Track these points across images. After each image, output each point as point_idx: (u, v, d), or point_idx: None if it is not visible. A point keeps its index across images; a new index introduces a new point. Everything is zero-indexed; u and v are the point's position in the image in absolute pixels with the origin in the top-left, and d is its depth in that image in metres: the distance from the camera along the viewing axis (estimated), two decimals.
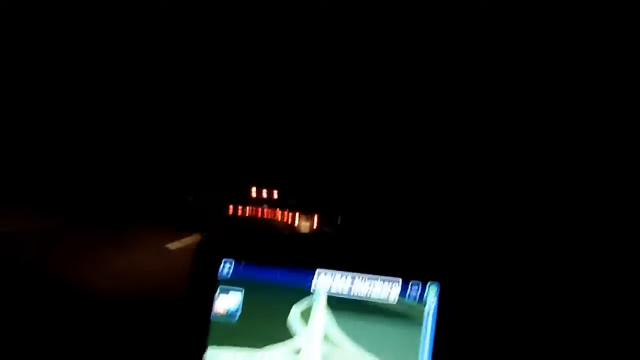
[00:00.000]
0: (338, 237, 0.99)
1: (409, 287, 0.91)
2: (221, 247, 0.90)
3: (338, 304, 0.91)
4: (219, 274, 0.89)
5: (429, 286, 0.91)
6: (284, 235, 0.85)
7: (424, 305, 0.90)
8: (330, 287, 0.91)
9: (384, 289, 0.91)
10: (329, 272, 0.91)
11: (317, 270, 0.91)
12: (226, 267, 0.90)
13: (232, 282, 0.90)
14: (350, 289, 0.91)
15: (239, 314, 0.89)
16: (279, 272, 0.90)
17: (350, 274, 0.91)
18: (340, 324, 0.90)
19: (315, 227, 23.42)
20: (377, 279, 0.91)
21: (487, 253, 1.11)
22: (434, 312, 0.90)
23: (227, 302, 0.89)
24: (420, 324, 0.90)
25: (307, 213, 24.80)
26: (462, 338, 0.89)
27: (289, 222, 30.73)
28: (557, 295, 1.05)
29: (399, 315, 0.90)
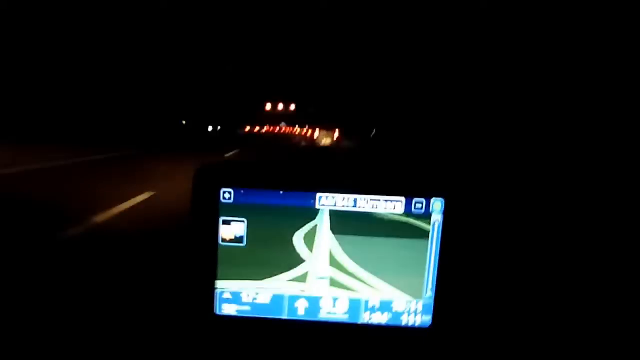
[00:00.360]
0: (340, 161, 0.97)
1: (413, 204, 0.90)
2: (219, 176, 0.89)
3: (342, 222, 0.90)
4: (219, 202, 0.89)
5: (433, 202, 0.89)
6: (284, 162, 0.81)
7: (429, 219, 0.90)
8: (336, 205, 0.90)
9: (387, 207, 0.90)
10: (331, 195, 0.90)
11: (319, 194, 0.89)
12: (226, 195, 0.89)
13: (234, 208, 0.89)
14: (354, 207, 0.90)
15: (246, 239, 0.90)
16: (280, 196, 0.89)
17: (352, 196, 0.90)
18: (344, 244, 0.91)
19: (336, 139, 22.92)
20: (379, 200, 0.90)
21: (489, 170, 1.08)
22: (439, 225, 0.90)
23: (233, 229, 0.90)
24: (427, 237, 0.90)
25: (327, 127, 24.19)
26: (467, 250, 0.90)
27: (309, 135, 32.06)
28: (554, 212, 1.04)
29: (404, 229, 0.90)
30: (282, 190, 0.89)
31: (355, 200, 0.90)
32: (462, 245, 0.89)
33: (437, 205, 0.90)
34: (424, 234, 0.90)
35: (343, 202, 0.90)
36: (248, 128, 65.89)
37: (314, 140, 27.37)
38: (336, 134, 27.53)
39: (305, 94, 62.49)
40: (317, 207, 0.90)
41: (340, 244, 0.91)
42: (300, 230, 0.90)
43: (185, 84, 43.39)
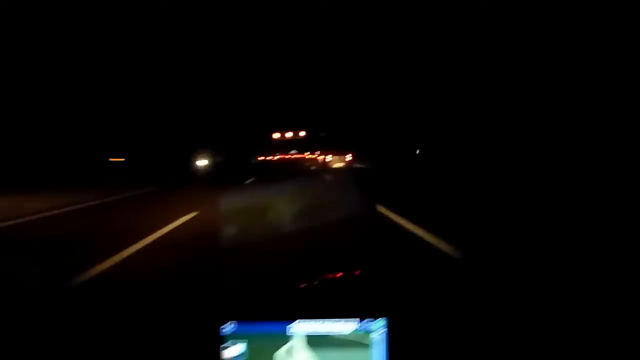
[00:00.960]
0: (312, 290, 1.36)
1: (364, 323, 1.26)
2: (221, 313, 1.25)
3: (312, 340, 1.29)
4: (222, 332, 1.27)
5: (377, 321, 1.24)
6: (270, 292, 1.37)
7: (370, 335, 1.27)
8: (306, 330, 1.29)
9: (345, 326, 1.28)
10: (305, 321, 1.28)
11: (296, 321, 1.28)
12: (229, 327, 1.25)
13: (234, 336, 1.28)
14: (320, 329, 1.29)
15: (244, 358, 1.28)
16: (266, 325, 1.27)
17: (320, 320, 1.28)
18: (314, 354, 1.29)
19: (348, 162, 22.63)
20: (340, 321, 1.28)
21: (421, 295, 1.46)
22: (381, 338, 1.27)
23: (233, 351, 1.26)
24: (370, 348, 1.27)
25: (339, 151, 23.83)
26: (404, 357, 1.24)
27: (320, 160, 29.50)
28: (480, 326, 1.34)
29: (354, 343, 1.28)
30: (267, 321, 1.28)
31: (323, 323, 1.29)
32: (400, 354, 1.24)
33: (379, 322, 1.25)
34: (367, 346, 1.28)
35: (314, 324, 1.28)
36: (262, 157, 69.51)
37: (327, 164, 27.41)
38: (348, 157, 27.64)
39: (316, 119, 62.01)
40: (294, 330, 1.29)
41: (311, 353, 1.29)
42: (282, 347, 1.27)
43: (192, 116, 44.70)
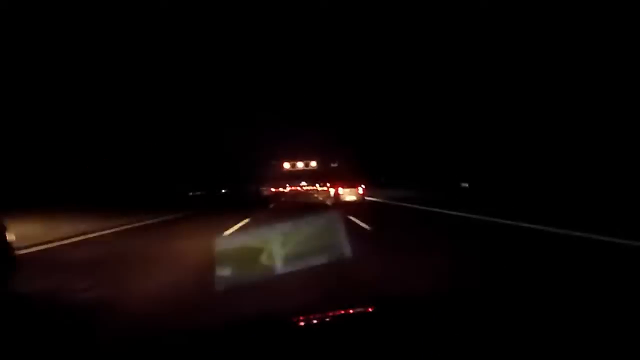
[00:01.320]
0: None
1: None
2: None
3: None
4: None
5: None
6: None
7: None
8: None
9: None
10: None
11: None
12: None
13: None
14: None
15: None
16: None
17: None
18: None
19: (361, 194, 21.47)
20: None
21: None
22: None
23: None
24: None
25: (351, 183, 22.70)
26: None
27: (332, 194, 28.25)
28: None
29: None
30: None
31: None
32: None
33: None
34: None
35: None
36: (273, 189, 73.65)
37: (339, 197, 26.03)
38: (360, 190, 26.12)
39: (326, 149, 59.57)
40: None
41: None
42: None
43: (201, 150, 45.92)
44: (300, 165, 60.13)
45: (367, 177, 34.86)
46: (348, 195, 25.40)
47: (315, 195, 46.68)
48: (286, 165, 59.96)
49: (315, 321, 1.47)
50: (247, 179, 67.96)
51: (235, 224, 12.05)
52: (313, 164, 59.30)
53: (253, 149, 63.79)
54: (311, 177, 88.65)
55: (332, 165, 57.15)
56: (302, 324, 1.45)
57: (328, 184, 54.80)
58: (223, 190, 57.17)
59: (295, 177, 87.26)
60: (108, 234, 10.61)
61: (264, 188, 70.38)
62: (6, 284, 4.09)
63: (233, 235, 9.71)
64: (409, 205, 19.55)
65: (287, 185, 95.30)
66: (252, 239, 6.13)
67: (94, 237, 9.90)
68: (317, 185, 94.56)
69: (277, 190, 75.54)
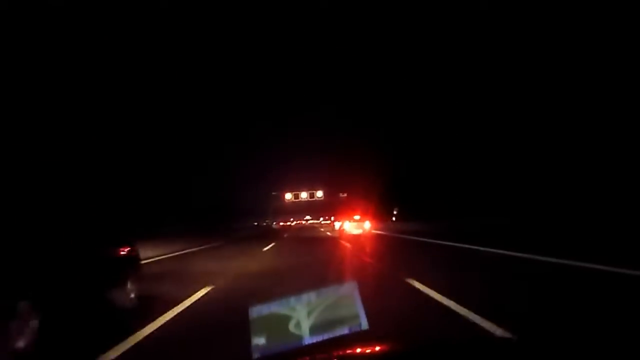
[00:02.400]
0: None
1: None
2: None
3: None
4: None
5: None
6: None
7: None
8: None
9: None
10: None
11: None
12: None
13: None
14: None
15: None
16: None
17: None
18: None
19: (368, 230, 20.14)
20: None
21: None
22: None
23: None
24: None
25: (357, 218, 21.41)
26: None
27: (337, 228, 27.19)
28: None
29: None
30: None
31: None
32: None
33: None
34: None
35: None
36: (282, 223, 76.87)
37: (343, 231, 25.00)
38: (367, 224, 25.13)
39: (334, 178, 56.10)
40: None
41: None
42: None
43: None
44: (304, 195, 52.22)
45: (378, 209, 34.04)
46: (355, 229, 24.49)
47: (321, 229, 47.09)
48: (288, 197, 52.17)
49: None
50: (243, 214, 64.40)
51: (267, 245, 19.00)
52: (319, 194, 51.88)
53: (251, 179, 62.07)
54: (316, 209, 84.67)
55: (341, 195, 51.85)
56: None
57: (332, 218, 55.56)
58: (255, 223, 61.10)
59: (298, 210, 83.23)
60: (188, 252, 16.51)
61: (275, 222, 74.86)
62: (140, 279, 5.94)
63: (270, 250, 16.75)
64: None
65: (292, 219, 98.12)
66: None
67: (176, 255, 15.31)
68: (322, 219, 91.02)
69: (285, 224, 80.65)
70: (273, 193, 55.94)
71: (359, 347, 1.50)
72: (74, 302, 4.27)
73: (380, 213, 37.66)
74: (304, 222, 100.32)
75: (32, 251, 3.78)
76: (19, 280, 3.47)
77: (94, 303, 4.74)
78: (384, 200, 41.02)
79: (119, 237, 5.70)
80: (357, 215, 25.42)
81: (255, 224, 64.70)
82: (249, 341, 1.45)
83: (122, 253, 5.61)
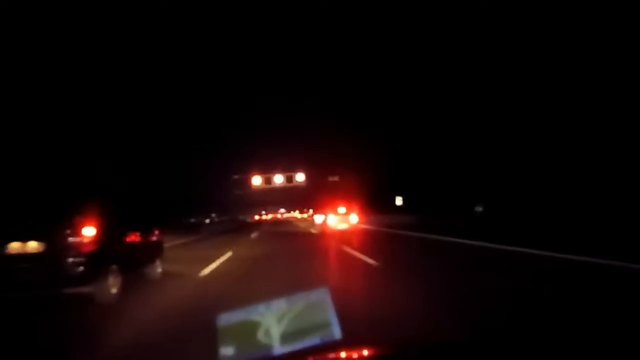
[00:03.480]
0: None
1: None
2: None
3: None
4: None
5: None
6: None
7: None
8: None
9: None
10: None
11: None
12: None
13: None
14: None
15: None
16: None
17: None
18: None
19: (354, 224, 18.61)
20: None
21: None
22: None
23: None
24: None
25: (342, 212, 19.81)
26: None
27: (320, 223, 23.73)
28: None
29: None
30: None
31: None
32: None
33: None
34: None
35: None
36: (257, 217, 75.92)
37: (326, 226, 21.89)
38: (353, 218, 21.93)
39: (319, 160, 41.86)
40: None
41: None
42: None
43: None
44: (278, 180, 37.26)
45: (368, 200, 30.60)
46: (340, 223, 21.54)
47: (296, 224, 43.60)
48: (256, 181, 36.84)
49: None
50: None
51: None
52: (300, 177, 37.21)
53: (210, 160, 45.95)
54: (295, 201, 75.59)
55: (331, 179, 37.92)
56: None
57: (311, 211, 52.05)
58: (207, 220, 54.15)
59: (270, 200, 74.12)
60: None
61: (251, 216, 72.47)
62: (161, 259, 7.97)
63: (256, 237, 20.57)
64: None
65: (263, 212, 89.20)
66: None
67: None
68: (297, 211, 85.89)
69: (256, 218, 78.89)
70: (234, 177, 39.14)
71: (331, 354, 1.48)
72: (136, 268, 6.75)
73: (370, 204, 33.01)
74: (279, 215, 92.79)
75: (117, 241, 6.10)
76: (112, 255, 5.77)
77: (145, 268, 7.20)
78: (376, 190, 36.57)
79: (151, 227, 7.69)
80: (342, 207, 22.17)
81: (207, 220, 54.15)
82: (216, 349, 1.41)
83: (154, 239, 7.75)
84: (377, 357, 1.61)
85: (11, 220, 5.31)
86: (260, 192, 41.21)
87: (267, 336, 1.43)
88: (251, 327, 1.44)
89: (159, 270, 7.65)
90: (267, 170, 38.01)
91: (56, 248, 5.10)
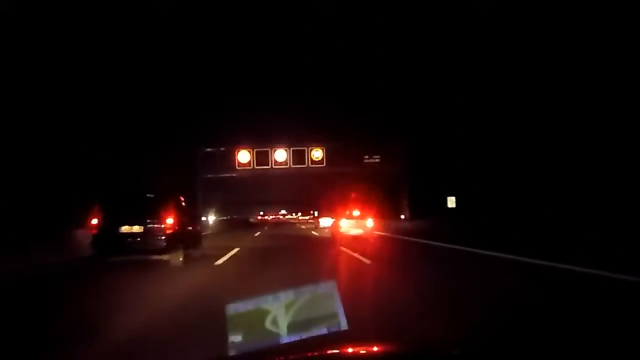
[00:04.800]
0: None
1: None
2: None
3: None
4: None
5: None
6: None
7: None
8: None
9: None
10: None
11: None
12: None
13: None
14: None
15: None
16: None
17: None
18: None
19: (371, 229, 18.04)
20: None
21: None
22: None
23: None
24: None
25: (357, 215, 18.19)
26: None
27: (332, 228, 20.31)
28: None
29: None
30: None
31: None
32: None
33: None
34: None
35: None
36: (259, 217, 76.27)
37: (338, 233, 18.44)
38: (369, 223, 18.41)
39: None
40: None
41: None
42: None
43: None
44: (280, 157, 25.42)
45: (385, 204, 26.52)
46: (353, 228, 18.30)
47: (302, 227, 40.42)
48: (243, 158, 25.36)
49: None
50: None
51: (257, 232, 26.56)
52: (317, 154, 25.65)
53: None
54: (294, 201, 70.24)
55: (367, 159, 26.70)
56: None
57: (315, 213, 48.98)
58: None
59: (264, 199, 67.23)
60: None
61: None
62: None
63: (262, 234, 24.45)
64: None
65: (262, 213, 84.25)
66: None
67: None
68: (300, 214, 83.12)
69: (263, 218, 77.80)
70: (207, 149, 26.29)
71: (335, 348, 1.49)
72: (190, 247, 10.03)
73: (388, 209, 27.57)
74: (280, 217, 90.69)
75: (182, 229, 9.38)
76: (180, 238, 9.09)
77: (194, 248, 10.48)
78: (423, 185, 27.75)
79: (197, 222, 10.92)
80: (356, 210, 19.32)
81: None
82: (225, 338, 1.44)
83: (198, 229, 11.15)
84: (378, 354, 1.60)
85: (124, 214, 8.72)
86: (248, 176, 27.42)
87: (274, 325, 1.45)
88: (259, 317, 1.46)
89: (200, 251, 11.03)
90: (262, 144, 25.08)
91: (150, 230, 8.50)
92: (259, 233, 27.12)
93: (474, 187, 24.96)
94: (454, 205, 25.14)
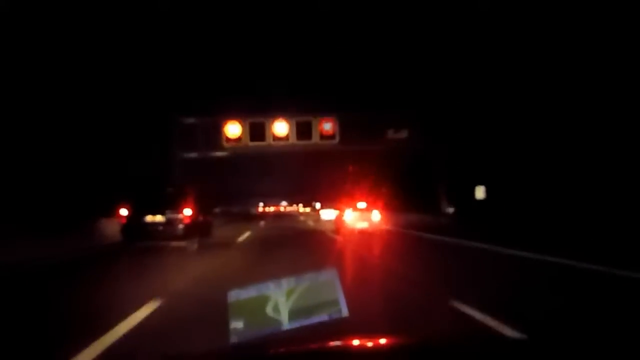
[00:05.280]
0: None
1: None
2: None
3: None
4: None
5: None
6: None
7: None
8: None
9: None
10: None
11: None
12: None
13: None
14: None
15: None
16: None
17: None
18: None
19: (378, 222, 16.83)
20: None
21: None
22: None
23: None
24: None
25: (362, 207, 17.06)
26: None
27: (336, 220, 19.23)
28: None
29: None
30: None
31: None
32: None
33: None
34: None
35: None
36: (260, 209, 75.89)
37: (342, 226, 17.48)
38: (375, 216, 17.48)
39: None
40: None
41: None
42: None
43: None
44: (281, 129, 19.43)
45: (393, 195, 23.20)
46: (359, 221, 17.32)
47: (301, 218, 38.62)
48: (233, 130, 19.26)
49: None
50: None
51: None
52: (327, 126, 20.09)
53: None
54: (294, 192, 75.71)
55: (394, 135, 21.56)
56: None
57: (319, 204, 48.93)
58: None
59: (259, 191, 65.80)
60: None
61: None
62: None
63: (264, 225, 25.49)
64: None
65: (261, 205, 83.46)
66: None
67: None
68: (301, 204, 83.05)
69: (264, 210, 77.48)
70: (186, 120, 20.46)
71: (338, 340, 1.49)
72: (204, 235, 11.41)
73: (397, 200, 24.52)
74: (282, 208, 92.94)
75: (198, 219, 10.84)
76: (196, 227, 10.63)
77: (206, 236, 11.82)
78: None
79: (209, 212, 12.36)
80: (362, 202, 18.14)
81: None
82: (226, 325, 1.44)
83: (210, 219, 12.73)
84: (380, 346, 1.58)
85: (148, 205, 10.08)
86: (241, 159, 23.69)
87: (275, 312, 1.46)
88: (260, 303, 1.46)
89: (211, 238, 12.41)
90: (256, 112, 19.89)
91: (171, 220, 9.91)
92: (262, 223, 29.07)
93: (507, 175, 19.96)
94: (483, 196, 20.86)
